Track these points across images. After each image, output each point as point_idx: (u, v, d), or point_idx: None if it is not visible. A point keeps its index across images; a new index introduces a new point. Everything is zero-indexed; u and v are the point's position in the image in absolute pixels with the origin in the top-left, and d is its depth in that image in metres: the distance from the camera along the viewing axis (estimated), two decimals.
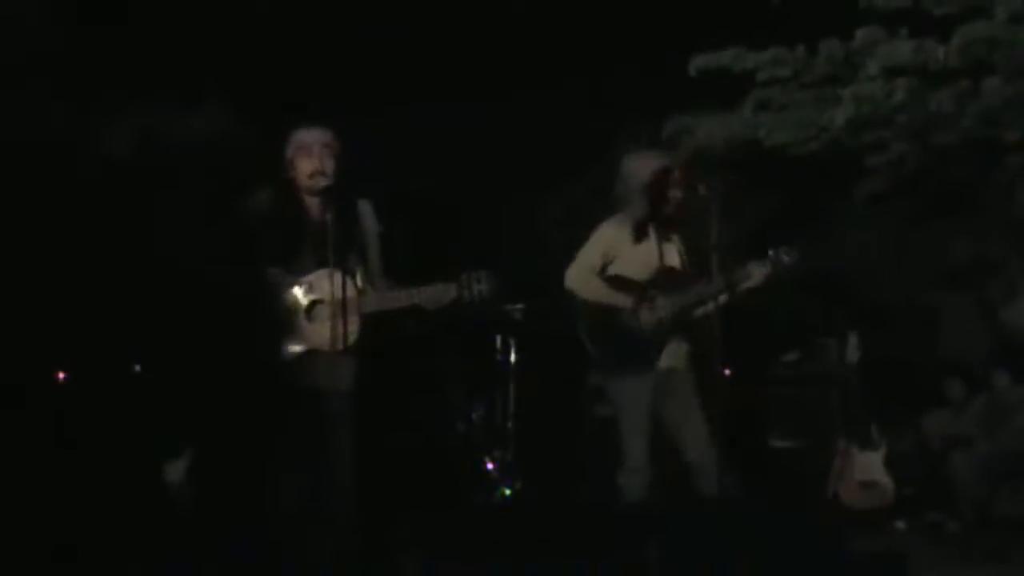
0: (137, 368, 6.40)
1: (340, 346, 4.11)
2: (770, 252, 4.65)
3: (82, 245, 6.20)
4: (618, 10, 7.12)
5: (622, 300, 4.69)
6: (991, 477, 6.06)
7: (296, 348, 4.18)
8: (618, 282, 4.72)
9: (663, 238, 4.75)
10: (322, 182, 4.23)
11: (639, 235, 4.73)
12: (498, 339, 6.47)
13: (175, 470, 5.63)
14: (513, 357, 6.44)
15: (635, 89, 6.84)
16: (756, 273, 4.65)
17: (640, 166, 4.79)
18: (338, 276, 4.11)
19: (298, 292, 4.19)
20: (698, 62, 5.60)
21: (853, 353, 6.46)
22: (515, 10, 7.15)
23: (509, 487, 6.21)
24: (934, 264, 6.94)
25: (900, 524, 6.06)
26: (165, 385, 6.11)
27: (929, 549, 5.46)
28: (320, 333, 4.17)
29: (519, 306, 6.38)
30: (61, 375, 6.29)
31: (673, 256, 4.77)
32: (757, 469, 6.48)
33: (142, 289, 6.23)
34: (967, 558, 5.25)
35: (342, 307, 4.11)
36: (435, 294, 4.19)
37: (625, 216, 4.76)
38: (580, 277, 4.74)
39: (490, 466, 6.29)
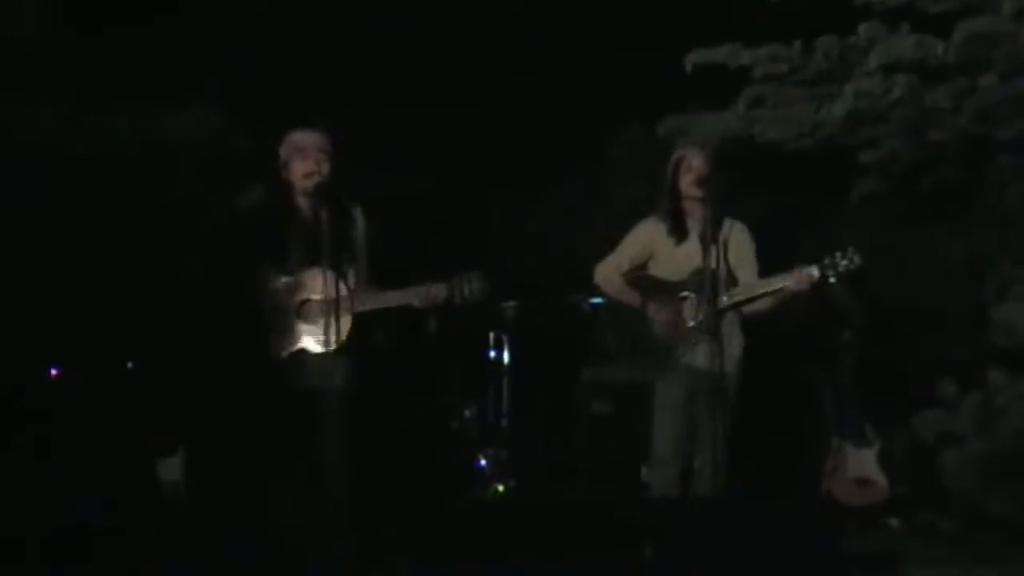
0: (129, 365, 6.38)
1: (331, 345, 4.11)
2: (826, 258, 4.58)
3: (75, 243, 6.18)
4: (614, 9, 7.12)
5: (633, 299, 4.72)
6: (984, 476, 6.07)
7: (288, 347, 4.18)
8: (649, 282, 4.74)
9: (708, 239, 4.70)
10: (317, 181, 4.23)
11: (679, 235, 4.74)
12: (491, 337, 6.46)
13: (170, 468, 5.62)
14: (506, 355, 6.43)
15: (630, 87, 6.84)
16: (804, 278, 4.59)
17: (669, 160, 4.83)
18: (330, 274, 4.11)
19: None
20: (694, 58, 5.61)
21: (845, 351, 6.46)
22: (513, 9, 7.14)
23: (503, 485, 6.20)
24: (927, 263, 6.94)
25: (893, 522, 6.07)
26: (158, 382, 6.09)
27: (922, 547, 5.46)
28: (311, 331, 4.17)
29: (512, 303, 6.38)
30: (54, 371, 6.27)
31: (717, 259, 4.71)
32: (752, 467, 6.48)
33: (135, 286, 6.21)
34: (960, 557, 5.26)
35: (333, 306, 4.11)
36: (426, 294, 4.21)
37: (659, 215, 4.79)
38: (602, 273, 4.87)
39: (483, 464, 6.28)
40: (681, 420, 4.70)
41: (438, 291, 4.20)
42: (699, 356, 4.69)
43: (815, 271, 4.58)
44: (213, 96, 6.96)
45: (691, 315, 4.72)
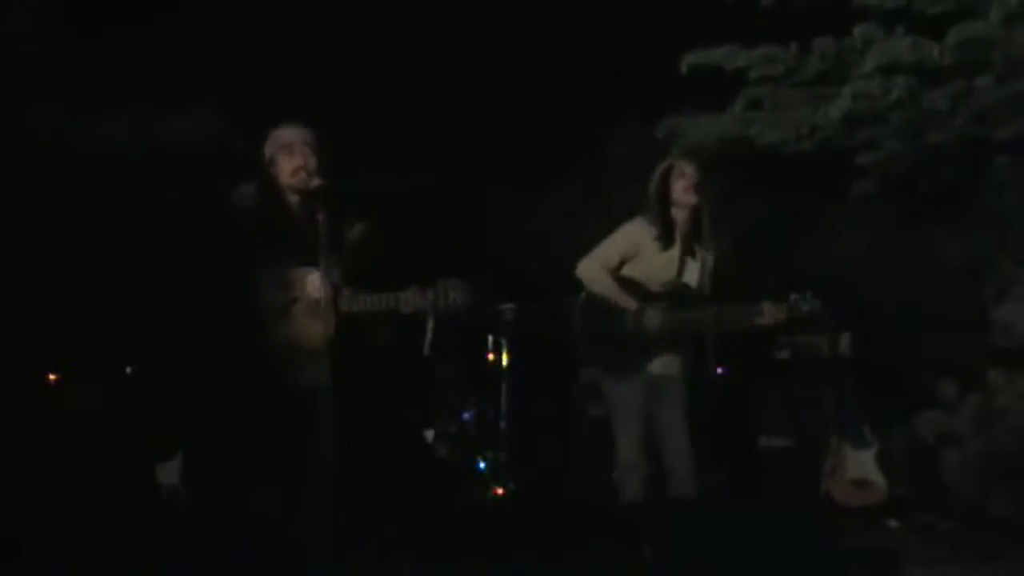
0: (128, 370, 6.39)
1: (319, 344, 4.12)
2: (792, 297, 4.70)
3: (72, 246, 6.18)
4: (612, 11, 7.12)
5: (626, 302, 4.73)
6: (983, 476, 6.07)
7: (277, 345, 4.18)
8: (627, 284, 4.75)
9: (688, 252, 4.76)
10: (306, 180, 4.22)
11: (665, 242, 4.76)
12: (490, 339, 6.47)
13: (168, 472, 5.62)
14: (505, 357, 6.43)
15: (628, 90, 6.84)
16: (770, 315, 4.70)
17: (656, 168, 4.85)
18: (319, 274, 4.11)
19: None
20: (691, 60, 5.61)
21: (845, 352, 6.47)
22: (513, 10, 7.15)
23: (502, 486, 6.20)
24: (926, 263, 6.95)
25: (892, 523, 6.06)
26: (156, 385, 6.09)
27: (921, 548, 5.46)
28: (300, 330, 4.17)
29: (511, 306, 6.38)
30: (53, 377, 6.28)
31: (693, 273, 4.77)
32: (750, 468, 6.48)
33: (133, 288, 6.22)
34: (959, 557, 5.25)
35: (321, 304, 4.12)
36: (409, 300, 4.22)
37: (648, 217, 4.81)
38: (591, 269, 4.83)
39: (483, 465, 6.28)
40: (642, 423, 4.72)
41: (422, 297, 4.22)
42: (658, 363, 4.74)
43: (784, 313, 4.69)
44: (213, 96, 6.96)
45: (659, 322, 4.74)
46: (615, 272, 4.81)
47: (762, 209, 6.81)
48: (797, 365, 6.86)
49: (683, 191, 4.75)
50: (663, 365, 4.76)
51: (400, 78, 7.31)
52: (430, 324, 6.35)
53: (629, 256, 4.80)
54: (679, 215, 4.77)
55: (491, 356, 6.44)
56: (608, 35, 7.21)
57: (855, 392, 6.35)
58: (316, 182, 4.21)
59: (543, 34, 7.31)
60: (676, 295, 4.75)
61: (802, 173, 6.24)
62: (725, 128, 5.86)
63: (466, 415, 6.38)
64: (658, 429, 4.74)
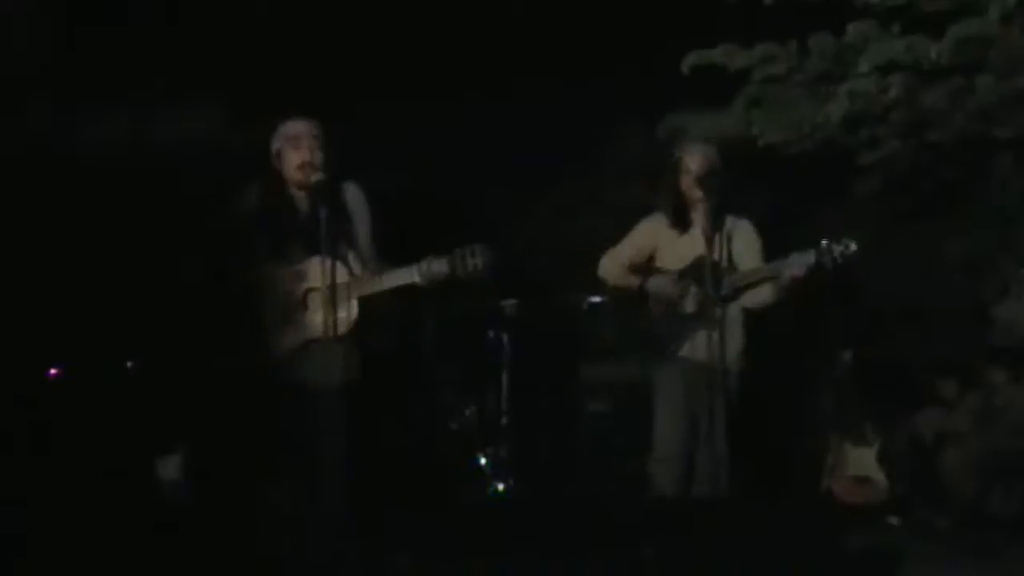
0: (130, 364, 6.38)
1: (333, 333, 4.09)
2: (823, 243, 4.57)
3: (74, 242, 6.18)
4: (612, 9, 7.11)
5: (635, 282, 4.79)
6: (983, 475, 6.07)
7: (296, 338, 4.17)
8: (652, 271, 4.80)
9: (715, 229, 4.72)
10: (312, 175, 4.21)
11: (682, 226, 4.80)
12: (490, 335, 6.47)
13: (169, 466, 5.62)
14: (506, 353, 6.43)
15: (629, 88, 6.84)
16: (799, 263, 4.59)
17: (667, 162, 4.89)
18: (328, 263, 4.09)
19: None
20: (691, 60, 5.61)
21: (846, 350, 6.47)
22: (514, 10, 7.15)
23: (502, 483, 6.20)
24: (927, 262, 6.95)
25: (893, 520, 6.07)
26: (159, 381, 6.09)
27: (921, 545, 5.46)
28: (317, 321, 4.15)
29: (512, 302, 6.39)
30: (53, 371, 6.27)
31: (720, 249, 4.73)
32: (751, 466, 6.48)
33: (135, 286, 6.22)
34: (958, 555, 5.26)
35: (332, 294, 4.09)
36: (428, 269, 4.15)
37: (663, 211, 4.86)
38: (605, 266, 5.03)
39: (483, 462, 6.28)
40: (683, 414, 4.72)
41: (440, 266, 4.14)
42: (698, 349, 4.71)
43: (812, 256, 4.58)
44: (213, 96, 6.96)
45: (691, 303, 4.76)
46: (639, 266, 4.88)
47: (763, 207, 6.81)
48: (797, 361, 6.86)
49: (689, 185, 4.78)
50: (700, 350, 4.71)
51: (400, 76, 7.30)
52: (430, 324, 6.37)
53: (647, 250, 4.89)
54: (694, 202, 4.80)
55: (491, 352, 6.44)
56: (608, 35, 7.21)
57: (856, 389, 6.36)
58: (315, 176, 4.21)
59: (543, 34, 7.30)
60: (705, 271, 4.68)
61: (803, 170, 6.25)
62: (726, 127, 5.87)
63: (467, 412, 6.38)
64: (694, 419, 4.72)
